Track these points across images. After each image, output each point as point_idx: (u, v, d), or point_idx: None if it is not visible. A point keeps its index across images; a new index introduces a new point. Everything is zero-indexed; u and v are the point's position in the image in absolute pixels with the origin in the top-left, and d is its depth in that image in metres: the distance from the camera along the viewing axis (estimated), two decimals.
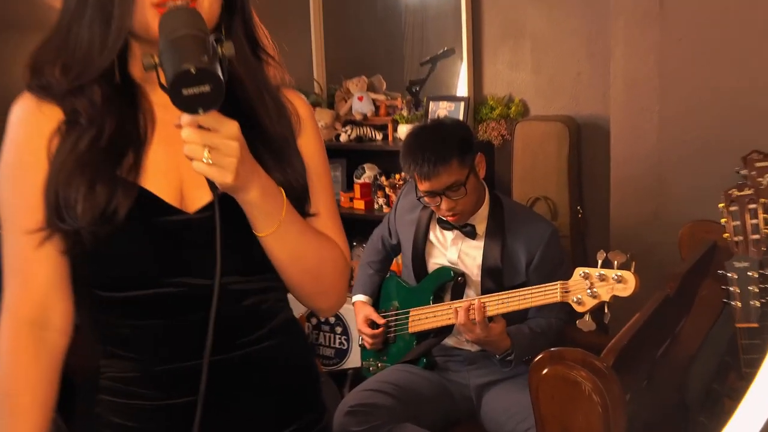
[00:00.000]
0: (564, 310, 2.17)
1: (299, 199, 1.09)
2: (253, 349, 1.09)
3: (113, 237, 0.97)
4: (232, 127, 0.90)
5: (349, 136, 3.43)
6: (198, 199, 1.03)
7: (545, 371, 1.41)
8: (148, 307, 1.03)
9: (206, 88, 0.81)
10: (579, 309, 1.97)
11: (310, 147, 1.14)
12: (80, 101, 1.00)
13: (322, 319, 3.36)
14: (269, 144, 1.06)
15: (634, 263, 1.90)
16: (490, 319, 2.10)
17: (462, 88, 3.31)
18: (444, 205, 2.18)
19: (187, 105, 0.83)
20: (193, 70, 0.80)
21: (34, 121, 1.01)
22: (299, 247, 1.06)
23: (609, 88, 2.75)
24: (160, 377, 1.05)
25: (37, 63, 1.02)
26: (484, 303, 2.11)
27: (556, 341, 2.21)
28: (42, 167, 1.00)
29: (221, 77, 0.82)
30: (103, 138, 0.99)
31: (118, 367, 1.07)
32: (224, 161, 0.89)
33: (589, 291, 1.95)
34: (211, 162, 0.88)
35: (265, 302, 1.10)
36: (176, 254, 1.01)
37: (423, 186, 2.19)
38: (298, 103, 1.16)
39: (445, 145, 2.16)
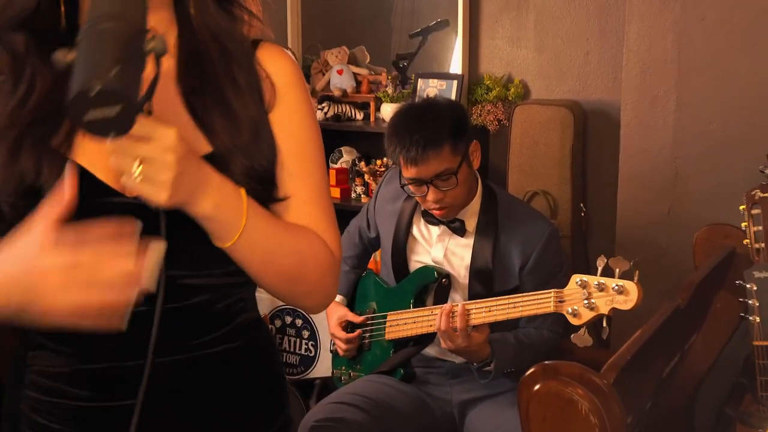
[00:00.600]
0: (560, 322, 2.18)
1: (262, 184, 1.05)
2: (204, 353, 1.07)
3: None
4: (168, 135, 0.86)
5: (325, 114, 3.42)
6: None
7: (537, 387, 1.41)
8: None
9: (114, 111, 0.77)
10: (574, 321, 1.97)
11: (287, 119, 1.10)
12: (10, 49, 0.97)
13: (288, 322, 3.34)
14: (237, 127, 1.03)
15: (637, 272, 1.89)
16: (474, 327, 2.09)
17: (455, 65, 3.30)
18: (431, 196, 2.17)
19: (93, 130, 0.78)
20: (92, 93, 0.75)
21: None
22: (270, 250, 1.03)
23: (621, 70, 2.75)
24: (92, 376, 1.04)
25: None
26: (468, 309, 2.10)
27: (546, 356, 2.20)
28: None
29: (133, 97, 0.78)
30: (33, 98, 0.96)
31: (46, 360, 1.06)
32: (158, 177, 0.85)
33: (586, 302, 1.94)
34: (141, 178, 0.85)
35: (222, 300, 1.08)
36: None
37: (409, 172, 2.17)
38: (279, 62, 1.12)
39: (437, 127, 2.15)
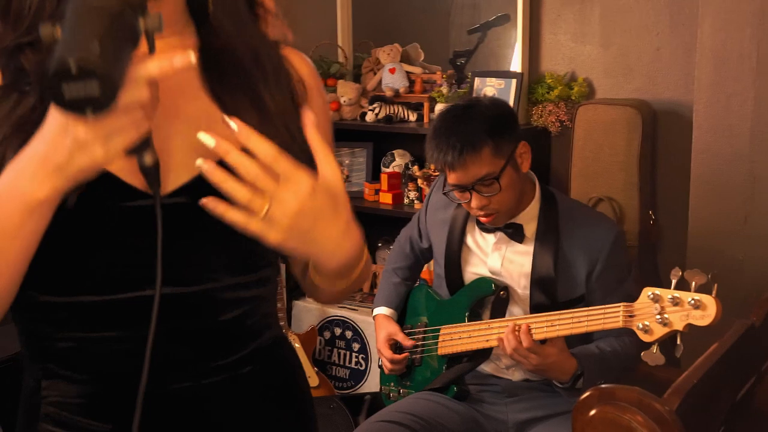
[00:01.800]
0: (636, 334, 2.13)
1: None
2: (233, 374, 1.07)
3: (58, 223, 0.92)
4: (305, 184, 0.87)
5: (376, 115, 3.42)
6: (171, 180, 1.00)
7: (592, 413, 1.39)
8: (100, 316, 1.01)
9: (93, 89, 0.75)
10: (645, 338, 1.92)
11: (318, 117, 1.09)
12: (27, 59, 0.97)
13: (337, 333, 3.37)
14: (270, 122, 1.04)
15: (716, 286, 1.84)
16: (543, 341, 2.06)
17: (515, 63, 3.28)
18: (474, 203, 2.15)
19: (70, 107, 0.77)
20: (73, 69, 0.74)
21: None
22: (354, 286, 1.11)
23: (693, 67, 2.70)
24: (113, 405, 1.03)
25: None
26: (529, 325, 2.07)
27: (633, 366, 2.17)
28: None
29: (114, 77, 0.77)
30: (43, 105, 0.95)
31: (62, 390, 1.05)
32: (281, 220, 0.87)
33: (658, 317, 1.90)
34: (264, 216, 0.86)
35: (250, 317, 1.09)
36: (136, 252, 0.97)
37: (450, 178, 2.16)
38: (300, 66, 1.14)
39: (475, 128, 2.12)
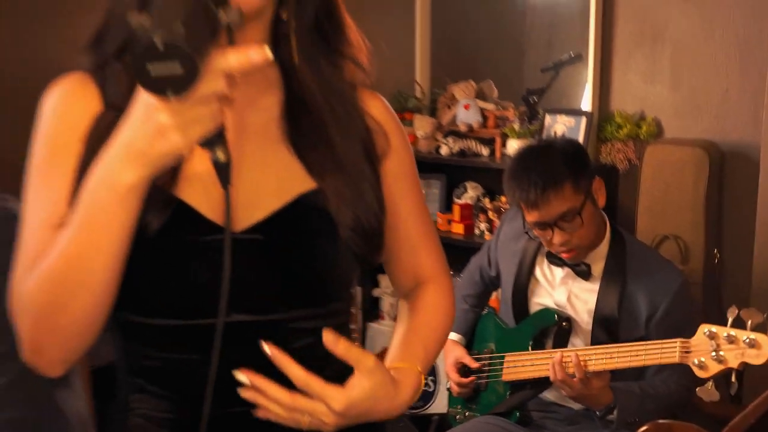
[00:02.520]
0: (688, 376, 2.10)
1: (370, 245, 1.07)
2: None
3: (144, 252, 0.94)
4: (339, 400, 0.96)
5: (450, 149, 3.46)
6: (246, 217, 1.00)
7: None
8: (182, 340, 1.01)
9: (176, 69, 0.76)
10: (701, 374, 1.93)
11: (400, 169, 1.14)
12: (120, 70, 0.98)
13: None
14: (339, 166, 1.05)
15: None
16: (594, 373, 2.08)
17: (585, 101, 3.29)
18: (557, 239, 2.16)
19: (153, 86, 0.77)
20: (159, 45, 0.74)
21: (73, 104, 1.01)
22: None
23: (762, 109, 2.69)
24: (191, 421, 1.01)
25: (89, 36, 1.02)
26: (585, 357, 2.09)
27: (676, 408, 2.16)
28: (76, 155, 0.99)
29: (194, 56, 0.76)
30: None
31: (149, 404, 1.05)
32: (321, 425, 0.98)
33: (714, 354, 1.90)
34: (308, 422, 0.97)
35: (322, 345, 1.04)
36: (216, 280, 0.93)
37: (531, 216, 2.17)
38: (380, 113, 1.14)
39: (555, 166, 2.14)
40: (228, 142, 0.87)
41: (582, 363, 2.07)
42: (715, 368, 1.90)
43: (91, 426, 1.71)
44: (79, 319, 0.94)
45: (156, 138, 0.82)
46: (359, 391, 0.99)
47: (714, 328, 1.91)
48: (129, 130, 0.84)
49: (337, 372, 1.08)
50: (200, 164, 0.97)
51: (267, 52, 0.82)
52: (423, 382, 1.10)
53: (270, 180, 1.03)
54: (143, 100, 0.82)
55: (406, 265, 1.21)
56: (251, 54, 0.81)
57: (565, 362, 2.10)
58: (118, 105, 0.96)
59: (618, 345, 2.10)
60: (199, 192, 1.00)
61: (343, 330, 1.12)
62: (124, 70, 0.99)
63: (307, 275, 1.04)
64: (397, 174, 1.14)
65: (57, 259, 0.91)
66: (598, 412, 2.15)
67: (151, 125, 0.82)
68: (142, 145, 0.83)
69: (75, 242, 0.90)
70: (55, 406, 1.57)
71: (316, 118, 1.06)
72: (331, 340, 0.97)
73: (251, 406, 1.00)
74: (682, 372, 2.11)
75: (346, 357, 0.98)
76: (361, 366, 0.99)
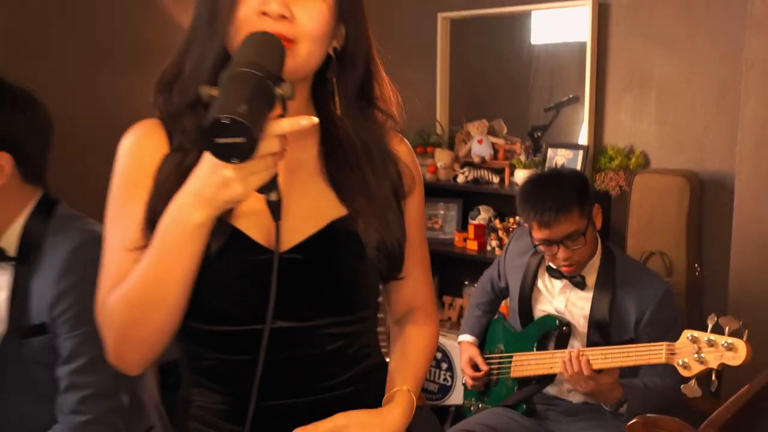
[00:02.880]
0: (676, 376, 2.07)
1: (392, 264, 1.08)
2: (331, 395, 1.07)
3: (205, 270, 0.95)
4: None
5: (466, 177, 3.47)
6: (288, 239, 1.02)
7: None
8: (234, 343, 1.02)
9: (239, 140, 0.78)
10: (684, 373, 1.91)
11: (417, 207, 1.16)
12: (188, 121, 1.00)
13: None
14: (369, 198, 1.06)
15: (747, 331, 1.81)
16: (601, 371, 2.06)
17: (582, 137, 3.28)
18: (561, 254, 2.17)
19: (219, 153, 0.80)
20: (226, 120, 0.77)
21: (145, 147, 1.03)
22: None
23: (736, 143, 2.65)
24: (242, 413, 1.02)
25: (162, 81, 1.03)
26: (588, 357, 2.06)
27: (671, 402, 2.14)
28: (148, 189, 1.00)
29: (254, 131, 0.78)
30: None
31: (207, 398, 1.07)
32: None
33: (696, 356, 1.88)
34: None
35: (352, 346, 1.09)
36: (263, 294, 0.96)
37: (541, 234, 2.17)
38: (406, 155, 1.15)
39: (565, 193, 2.15)
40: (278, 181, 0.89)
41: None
42: (697, 368, 1.88)
43: (162, 411, 1.73)
44: (154, 331, 0.97)
45: (221, 188, 0.85)
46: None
47: (696, 333, 1.89)
48: (198, 180, 0.88)
49: (364, 370, 1.12)
50: (252, 198, 0.97)
51: (314, 120, 0.87)
52: (414, 399, 1.11)
53: (308, 208, 1.04)
54: (211, 156, 0.84)
55: (404, 291, 1.21)
56: (301, 121, 0.85)
57: (574, 359, 2.07)
58: (183, 149, 1.00)
59: (612, 347, 2.08)
60: (250, 219, 1.01)
61: (369, 333, 1.13)
62: (190, 123, 1.01)
63: (337, 288, 1.05)
64: (411, 213, 1.14)
65: (137, 283, 0.94)
66: (608, 407, 2.11)
67: (217, 178, 0.85)
68: (209, 194, 0.87)
69: (153, 269, 0.93)
70: (136, 395, 1.59)
71: (350, 157, 1.07)
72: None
73: (290, 399, 1.02)
74: (671, 371, 2.09)
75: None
76: (332, 422, 1.03)
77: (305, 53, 0.97)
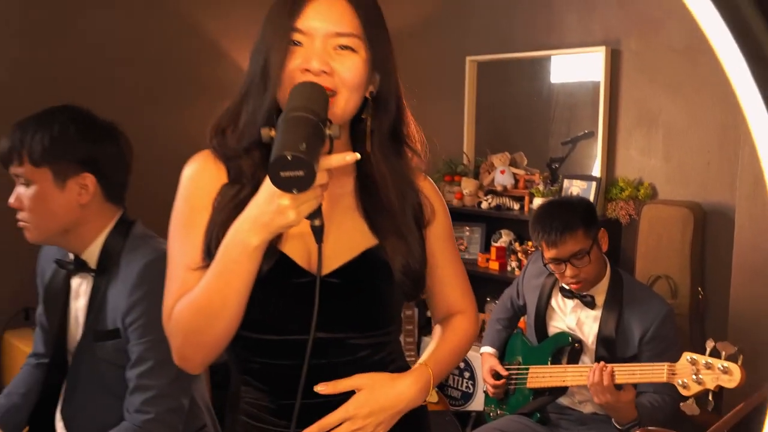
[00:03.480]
0: (674, 390, 2.06)
1: (413, 281, 1.10)
2: None
3: (256, 287, 0.98)
4: (348, 409, 1.03)
5: (489, 204, 3.47)
6: (327, 265, 1.04)
7: None
8: (278, 350, 1.05)
9: (300, 173, 0.81)
10: (684, 392, 1.89)
11: (444, 231, 1.18)
12: (244, 161, 1.04)
13: None
14: (397, 228, 1.09)
15: (741, 356, 1.80)
16: (619, 386, 2.03)
17: (596, 169, 3.27)
18: (568, 272, 2.17)
19: (282, 185, 0.83)
20: (289, 157, 0.80)
21: (205, 177, 1.05)
22: (449, 370, 1.19)
23: (737, 178, 2.64)
24: (285, 409, 1.06)
25: (218, 125, 1.06)
26: (613, 369, 2.03)
27: (670, 418, 2.12)
28: (207, 215, 1.03)
29: (314, 165, 0.82)
30: (257, 188, 0.97)
31: (254, 395, 1.09)
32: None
33: (694, 377, 1.87)
34: None
35: (378, 354, 1.11)
36: (304, 310, 0.99)
37: (549, 253, 2.18)
38: (430, 192, 1.17)
39: (571, 216, 2.17)
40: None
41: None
42: (695, 388, 1.87)
43: (211, 410, 1.75)
44: (215, 337, 1.00)
45: (277, 215, 0.89)
46: (358, 392, 1.05)
47: (695, 356, 1.88)
48: (257, 207, 0.91)
49: (394, 371, 1.13)
50: (297, 226, 1.00)
51: (356, 155, 0.91)
52: (431, 376, 1.12)
53: (345, 238, 1.07)
54: (268, 188, 0.88)
55: (442, 300, 1.23)
56: (347, 157, 0.91)
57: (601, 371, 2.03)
58: (239, 180, 1.04)
59: (619, 364, 2.06)
60: (295, 245, 1.05)
61: (394, 342, 1.17)
62: (246, 164, 1.04)
63: (368, 308, 1.08)
64: (438, 235, 1.17)
65: (201, 295, 0.98)
66: (620, 426, 2.07)
67: (274, 206, 0.88)
68: (266, 220, 0.90)
69: (215, 283, 0.96)
70: (192, 396, 1.62)
71: (381, 192, 1.10)
72: (322, 387, 1.04)
73: (326, 397, 1.04)
74: (671, 389, 2.06)
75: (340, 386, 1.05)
76: (350, 381, 1.05)
77: (344, 102, 1.01)
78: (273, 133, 0.86)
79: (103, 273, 1.55)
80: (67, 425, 1.59)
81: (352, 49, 1.01)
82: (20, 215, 1.52)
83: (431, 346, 1.20)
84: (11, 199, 1.52)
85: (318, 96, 0.92)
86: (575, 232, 2.13)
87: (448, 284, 1.22)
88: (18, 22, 2.95)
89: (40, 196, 1.49)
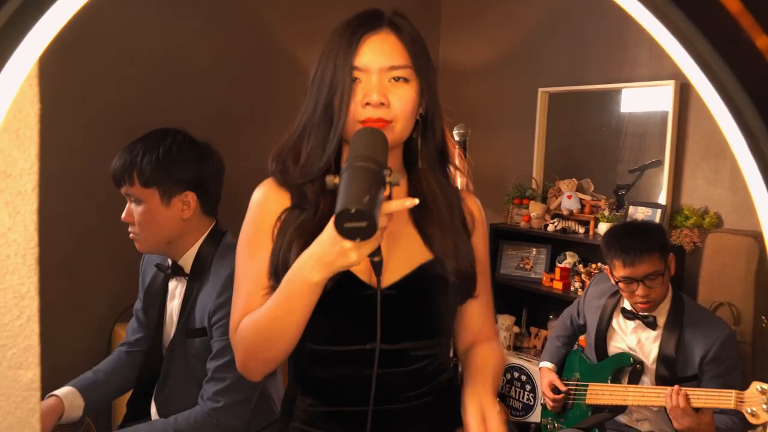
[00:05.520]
0: (743, 421, 1.92)
1: (469, 282, 1.09)
2: (413, 404, 1.08)
3: (321, 302, 0.97)
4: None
5: (555, 227, 3.39)
6: (386, 279, 1.04)
7: None
8: (338, 360, 1.05)
9: (362, 224, 0.80)
10: (752, 421, 1.78)
11: (480, 243, 1.16)
12: (308, 189, 1.05)
13: (515, 376, 3.32)
14: (448, 238, 1.09)
15: None
16: (698, 410, 1.91)
17: (662, 197, 3.13)
18: (640, 291, 2.08)
19: (346, 234, 0.82)
20: (353, 210, 0.80)
21: (270, 202, 1.06)
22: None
23: None
24: (338, 416, 1.05)
25: (279, 156, 1.08)
26: (687, 393, 1.91)
27: None
28: (271, 237, 1.04)
29: (376, 218, 0.81)
30: (318, 215, 1.02)
31: (308, 402, 1.09)
32: None
33: (765, 406, 1.75)
34: None
35: (431, 365, 1.09)
36: (364, 322, 1.00)
37: (623, 272, 2.09)
38: (473, 206, 1.17)
39: (649, 239, 2.10)
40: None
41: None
42: (765, 418, 1.75)
43: None
44: (275, 355, 1.02)
45: (340, 256, 0.89)
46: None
47: (765, 386, 1.77)
48: (321, 247, 0.91)
49: (440, 383, 1.12)
50: None
51: (415, 201, 0.89)
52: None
53: (402, 253, 1.07)
54: (332, 232, 0.86)
55: (472, 325, 1.18)
56: (405, 203, 0.89)
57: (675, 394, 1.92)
58: (302, 206, 1.05)
59: (689, 389, 1.93)
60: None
61: (444, 354, 1.15)
62: (309, 191, 1.05)
63: (424, 317, 1.07)
64: (477, 246, 1.15)
65: (264, 318, 0.99)
66: None
67: (337, 247, 0.88)
68: (329, 259, 0.90)
69: (277, 310, 0.98)
70: (265, 389, 1.64)
71: (432, 207, 1.09)
72: None
73: (383, 406, 1.03)
74: (738, 415, 1.93)
75: None
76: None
77: (399, 129, 1.03)
78: (337, 180, 0.85)
79: (196, 277, 1.60)
80: (159, 408, 1.65)
81: (405, 79, 1.02)
82: (131, 228, 1.59)
83: (487, 378, 1.11)
84: (124, 215, 1.59)
85: (378, 142, 0.91)
86: (652, 254, 2.06)
87: (478, 311, 1.17)
88: (127, 49, 3.10)
89: (149, 213, 1.56)
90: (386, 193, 0.88)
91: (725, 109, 0.35)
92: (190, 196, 1.58)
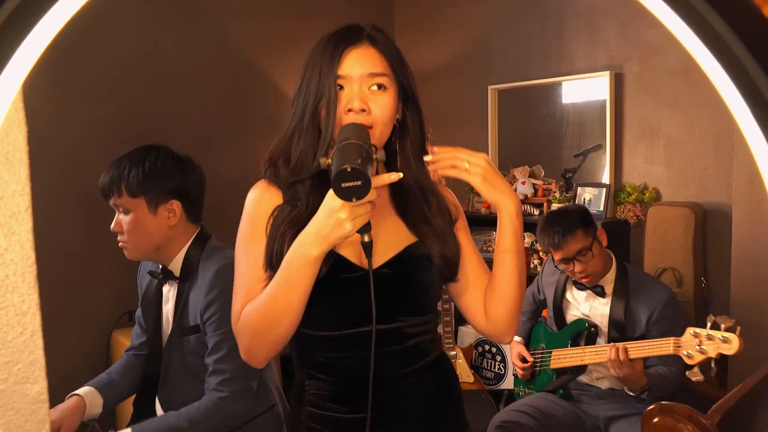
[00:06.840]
0: (679, 362, 2.01)
1: (451, 266, 1.08)
2: (413, 379, 1.08)
3: (315, 287, 0.96)
4: (481, 157, 0.99)
5: None
6: (377, 260, 1.03)
7: (655, 420, 1.32)
8: (337, 344, 1.04)
9: (358, 183, 0.82)
10: (688, 362, 1.85)
11: (465, 230, 1.17)
12: (299, 187, 1.05)
13: (487, 349, 3.35)
14: (430, 225, 1.09)
15: (739, 327, 1.73)
16: (631, 360, 1.97)
17: (605, 177, 3.19)
18: (577, 268, 2.12)
19: (344, 194, 0.83)
20: (349, 169, 0.81)
21: (264, 200, 1.06)
22: (520, 277, 1.07)
23: (732, 181, 2.53)
24: (346, 396, 1.05)
25: (271, 159, 1.07)
26: (616, 347, 1.98)
27: (677, 386, 2.05)
28: (266, 232, 1.03)
29: (369, 176, 0.83)
30: (309, 209, 1.01)
31: (317, 387, 1.08)
32: (476, 171, 0.98)
33: (698, 347, 1.81)
34: (468, 167, 0.98)
35: (424, 342, 1.10)
36: (359, 303, 0.99)
37: (557, 255, 2.14)
38: (452, 198, 1.18)
39: (568, 221, 2.13)
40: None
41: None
42: (699, 357, 1.82)
43: (281, 392, 1.76)
44: (278, 336, 0.99)
45: (336, 227, 0.89)
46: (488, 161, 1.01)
47: (697, 330, 1.84)
48: (317, 222, 0.91)
49: (432, 360, 1.11)
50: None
51: (400, 175, 0.92)
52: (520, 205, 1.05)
53: (389, 238, 1.06)
54: (328, 205, 0.89)
55: (477, 287, 1.14)
56: (392, 176, 0.92)
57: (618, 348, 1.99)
58: (294, 202, 1.04)
59: (630, 342, 2.00)
60: (348, 250, 1.04)
61: (433, 333, 1.14)
62: (302, 189, 1.04)
63: (414, 295, 1.06)
64: (460, 230, 1.15)
65: (267, 300, 0.97)
66: (633, 393, 2.02)
67: (333, 219, 0.89)
68: (326, 232, 0.90)
69: (279, 289, 0.96)
70: (263, 378, 1.63)
71: (411, 197, 1.10)
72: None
73: (384, 382, 1.02)
74: (675, 359, 2.01)
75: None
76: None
77: (379, 134, 1.03)
78: (329, 160, 0.87)
79: (185, 279, 1.59)
80: (163, 405, 1.62)
81: (384, 87, 1.02)
82: (120, 237, 1.56)
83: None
84: (113, 225, 1.56)
85: (362, 131, 0.94)
86: (574, 233, 2.09)
87: (479, 269, 1.15)
88: (116, 71, 3.03)
89: (137, 222, 1.53)
90: (374, 169, 0.89)
91: (731, 84, 0.33)
92: (176, 204, 1.56)
